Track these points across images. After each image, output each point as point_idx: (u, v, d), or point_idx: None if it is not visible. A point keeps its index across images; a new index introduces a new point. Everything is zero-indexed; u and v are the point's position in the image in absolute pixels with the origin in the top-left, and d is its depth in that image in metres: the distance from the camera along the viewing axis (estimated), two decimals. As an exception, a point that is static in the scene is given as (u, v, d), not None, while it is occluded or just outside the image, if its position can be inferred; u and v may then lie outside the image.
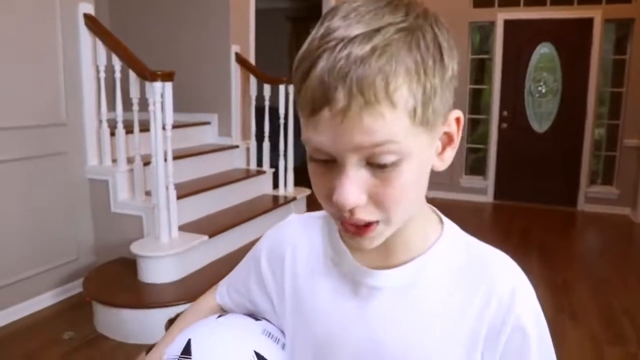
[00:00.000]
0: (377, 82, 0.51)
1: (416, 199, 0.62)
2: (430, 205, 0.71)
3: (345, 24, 0.53)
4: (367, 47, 0.51)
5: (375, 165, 0.55)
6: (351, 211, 0.57)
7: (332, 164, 0.57)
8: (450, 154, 0.63)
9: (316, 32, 0.55)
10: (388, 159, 0.54)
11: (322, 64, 0.53)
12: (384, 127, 0.52)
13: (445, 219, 0.71)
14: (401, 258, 0.67)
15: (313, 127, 0.55)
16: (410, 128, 0.54)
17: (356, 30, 0.52)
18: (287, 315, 0.76)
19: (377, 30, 0.52)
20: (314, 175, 0.60)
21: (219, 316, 0.81)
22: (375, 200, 0.56)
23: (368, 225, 0.58)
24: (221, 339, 0.75)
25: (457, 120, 0.62)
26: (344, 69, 0.51)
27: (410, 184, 0.57)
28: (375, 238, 0.60)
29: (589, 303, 3.44)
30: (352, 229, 0.59)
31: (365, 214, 0.57)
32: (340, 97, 0.52)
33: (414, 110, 0.54)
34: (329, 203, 0.58)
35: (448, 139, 0.63)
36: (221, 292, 0.88)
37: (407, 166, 0.55)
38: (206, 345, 0.73)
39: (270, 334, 0.76)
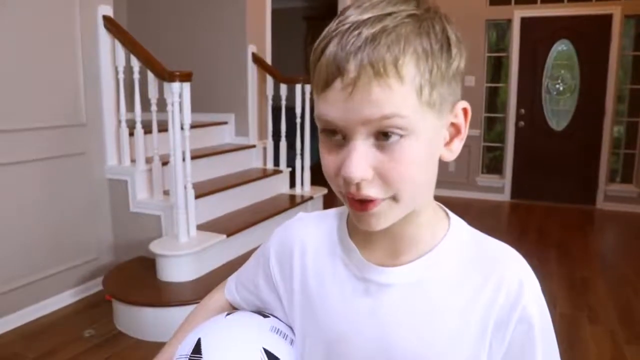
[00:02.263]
0: (386, 56, 0.54)
1: (423, 184, 0.62)
2: (436, 202, 0.71)
3: (359, 11, 0.57)
4: (378, 27, 0.55)
5: (382, 140, 0.57)
6: (358, 186, 0.58)
7: (342, 142, 0.59)
8: (458, 145, 0.65)
9: (332, 21, 0.59)
10: (395, 133, 0.56)
11: (335, 42, 0.56)
12: (392, 99, 0.55)
13: (451, 214, 0.72)
14: (410, 255, 0.68)
15: (324, 102, 0.58)
16: (417, 106, 0.56)
17: (368, 14, 0.56)
18: (296, 312, 0.76)
19: (389, 14, 0.56)
20: (324, 152, 0.62)
21: (228, 314, 0.81)
22: (382, 176, 0.58)
23: (373, 200, 0.59)
24: (230, 337, 0.76)
25: (465, 111, 0.64)
26: (355, 44, 0.55)
27: (417, 164, 0.59)
28: (381, 216, 0.61)
29: (608, 302, 3.41)
30: (357, 205, 0.60)
31: (371, 190, 0.58)
32: (352, 68, 0.55)
33: (421, 87, 0.56)
34: (337, 179, 0.60)
35: (455, 129, 0.64)
36: (230, 289, 0.89)
37: (413, 144, 0.57)
38: (216, 344, 0.74)
39: (278, 330, 0.76)
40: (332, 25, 0.59)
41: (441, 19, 0.59)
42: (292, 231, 0.80)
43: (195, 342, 0.74)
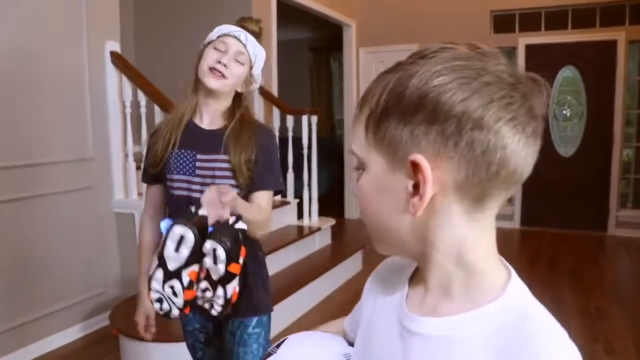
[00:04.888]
0: (367, 95, 0.60)
1: (379, 221, 0.63)
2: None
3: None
4: (393, 70, 0.60)
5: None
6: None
7: None
8: (413, 201, 0.57)
9: None
10: (358, 167, 0.62)
11: None
12: (355, 136, 0.62)
13: (514, 278, 0.62)
14: (447, 309, 0.62)
15: None
16: (364, 141, 0.60)
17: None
18: (358, 342, 0.79)
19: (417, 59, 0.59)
20: None
21: (324, 331, 0.93)
22: None
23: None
24: (305, 347, 0.86)
25: (413, 164, 0.56)
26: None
27: (366, 198, 0.63)
28: (374, 239, 0.67)
29: (625, 332, 3.33)
30: None
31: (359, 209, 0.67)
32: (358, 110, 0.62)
33: (368, 119, 0.59)
34: None
35: (413, 186, 0.57)
36: (347, 319, 0.94)
37: (364, 179, 0.62)
38: (292, 347, 0.85)
39: (349, 357, 0.82)
40: None
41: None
42: (381, 269, 0.84)
43: (282, 340, 0.86)
